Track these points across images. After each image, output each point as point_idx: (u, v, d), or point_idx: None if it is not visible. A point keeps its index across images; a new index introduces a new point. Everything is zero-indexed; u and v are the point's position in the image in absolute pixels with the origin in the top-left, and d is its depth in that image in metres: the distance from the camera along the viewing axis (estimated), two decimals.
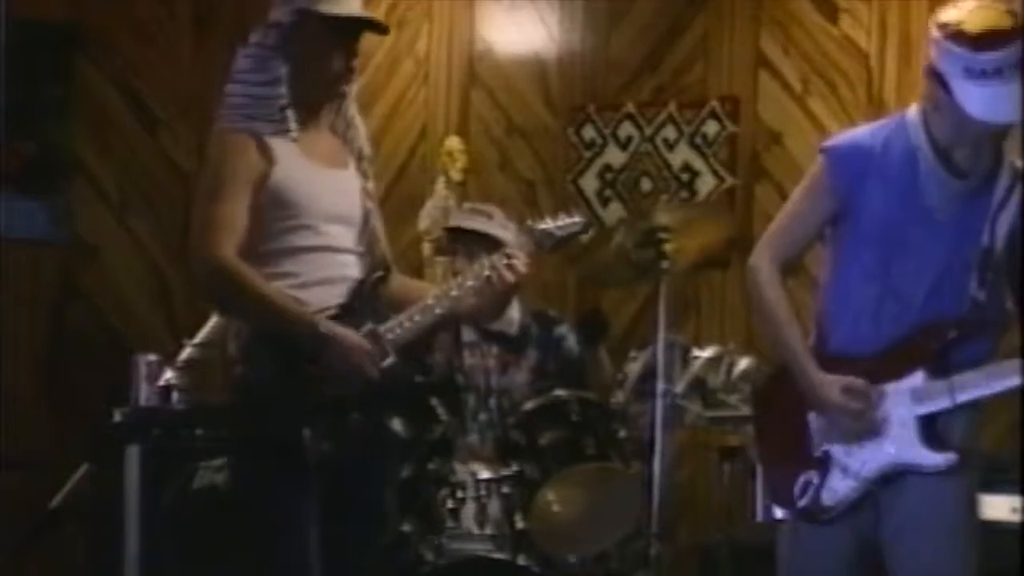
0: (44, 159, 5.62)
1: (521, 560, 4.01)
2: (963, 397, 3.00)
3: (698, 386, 4.33)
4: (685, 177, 5.55)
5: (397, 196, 5.86)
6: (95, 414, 4.89)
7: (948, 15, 2.95)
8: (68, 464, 4.94)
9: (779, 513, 3.19)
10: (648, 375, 4.28)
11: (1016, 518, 4.06)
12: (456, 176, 5.74)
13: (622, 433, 4.25)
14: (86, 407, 5.23)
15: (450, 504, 4.10)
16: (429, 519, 4.10)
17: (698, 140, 5.54)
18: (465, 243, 4.50)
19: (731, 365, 4.28)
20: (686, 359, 4.35)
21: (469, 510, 4.10)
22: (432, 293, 3.32)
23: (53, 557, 5.30)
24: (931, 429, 3.01)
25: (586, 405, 4.25)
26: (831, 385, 3.03)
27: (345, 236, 3.27)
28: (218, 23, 5.92)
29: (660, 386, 4.15)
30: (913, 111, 3.09)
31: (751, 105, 5.44)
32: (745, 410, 4.10)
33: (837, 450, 3.07)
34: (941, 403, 3.00)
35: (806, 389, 3.08)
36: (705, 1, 5.53)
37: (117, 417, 4.82)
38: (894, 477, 3.03)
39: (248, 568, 3.29)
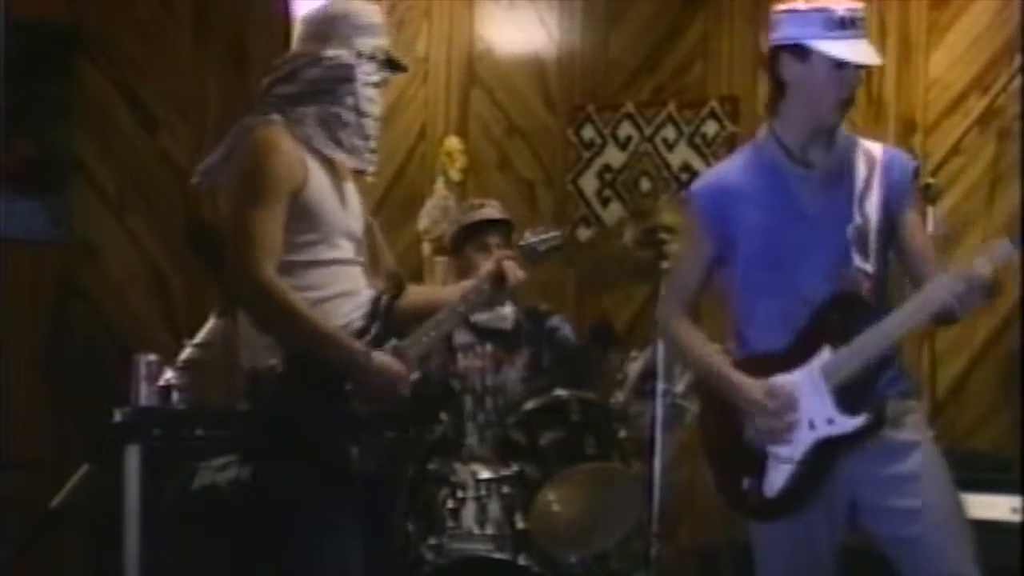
0: (44, 159, 5.62)
1: (521, 560, 4.02)
2: (867, 354, 3.08)
3: (698, 386, 4.33)
4: (685, 177, 5.56)
5: (397, 196, 5.86)
6: (95, 414, 4.88)
7: None
8: (68, 464, 4.93)
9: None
10: (648, 375, 4.29)
11: (1016, 518, 4.06)
12: (456, 176, 5.74)
13: (622, 433, 4.25)
14: (86, 407, 5.22)
15: (450, 504, 4.10)
16: (429, 519, 4.10)
17: (698, 140, 5.55)
18: (483, 235, 4.54)
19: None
20: None
21: (469, 510, 4.10)
22: (443, 309, 3.40)
23: (53, 557, 5.30)
24: (845, 396, 3.09)
25: (586, 405, 4.25)
26: (754, 386, 3.16)
27: (351, 249, 3.33)
28: (218, 23, 5.92)
29: (660, 386, 4.16)
30: (761, 132, 3.27)
31: (751, 105, 5.43)
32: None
33: (770, 444, 3.15)
34: (849, 367, 3.09)
35: (732, 395, 3.20)
36: (705, 1, 5.54)
37: (117, 417, 4.82)
38: (826, 454, 3.10)
39: (251, 568, 3.30)
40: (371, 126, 3.35)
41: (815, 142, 3.19)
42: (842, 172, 3.18)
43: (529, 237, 3.58)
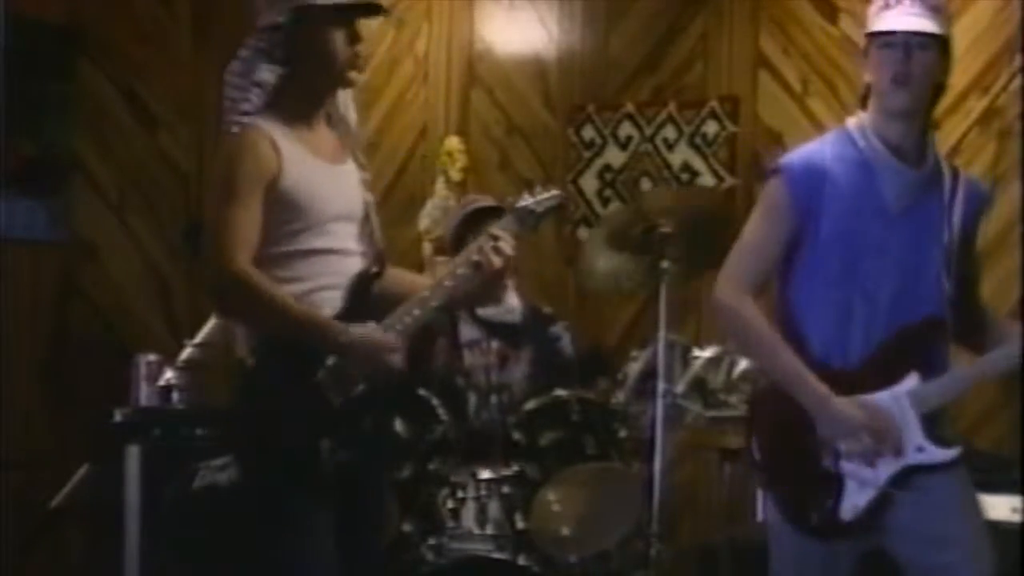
0: (44, 159, 5.62)
1: (521, 560, 4.01)
2: (959, 388, 3.10)
3: (698, 386, 4.33)
4: (685, 177, 5.55)
5: (397, 196, 5.86)
6: (95, 414, 4.89)
7: None
8: (68, 464, 4.94)
9: (786, 529, 3.20)
10: (648, 375, 4.28)
11: (1016, 518, 4.06)
12: (456, 176, 5.74)
13: (622, 433, 4.25)
14: (86, 407, 5.23)
15: (450, 504, 4.09)
16: (429, 519, 4.10)
17: (698, 140, 5.54)
18: (485, 224, 4.55)
19: (731, 365, 4.28)
20: (686, 359, 4.35)
21: (469, 510, 4.10)
22: (427, 285, 3.34)
23: (53, 557, 5.30)
24: (933, 426, 3.07)
25: (586, 405, 4.25)
26: (851, 406, 3.07)
27: (349, 235, 3.28)
28: (218, 23, 5.92)
29: (660, 386, 4.16)
30: (852, 123, 3.22)
31: (751, 105, 5.43)
32: (746, 410, 4.11)
33: (849, 464, 3.09)
34: (939, 399, 3.08)
35: (819, 412, 3.09)
36: (705, 1, 5.53)
37: (117, 417, 4.82)
38: (907, 479, 3.07)
39: (250, 569, 3.29)
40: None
41: (905, 141, 3.14)
42: (933, 180, 3.14)
43: (527, 198, 3.49)
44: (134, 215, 5.84)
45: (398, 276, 3.42)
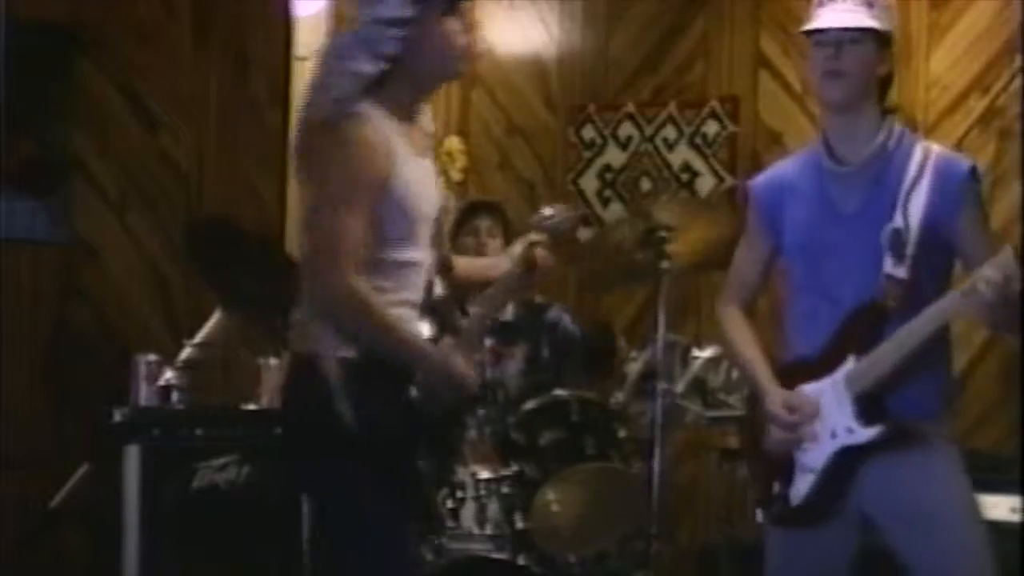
0: (44, 159, 5.61)
1: (521, 560, 4.02)
2: (884, 365, 3.04)
3: (698, 386, 4.34)
4: (685, 177, 5.56)
5: None
6: (95, 414, 4.88)
7: None
8: (68, 464, 4.93)
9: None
10: (648, 375, 4.29)
11: (1016, 518, 4.06)
12: (456, 176, 5.73)
13: (622, 433, 4.25)
14: (86, 407, 5.22)
15: (450, 504, 4.10)
16: (429, 519, 4.10)
17: (698, 140, 5.55)
18: (473, 220, 4.58)
19: (731, 365, 4.28)
20: (686, 359, 4.36)
21: (469, 510, 4.10)
22: (487, 266, 3.42)
23: (53, 557, 5.30)
24: (864, 406, 3.07)
25: (586, 405, 4.25)
26: (776, 395, 3.17)
27: (429, 239, 3.17)
28: (218, 23, 5.92)
29: (660, 386, 4.16)
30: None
31: (751, 105, 5.44)
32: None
33: (797, 451, 3.15)
34: (869, 377, 3.07)
35: (761, 401, 3.22)
36: (705, 1, 5.54)
37: (117, 417, 4.81)
38: (848, 462, 3.09)
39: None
40: None
41: (850, 138, 3.18)
42: (884, 172, 3.15)
43: (550, 213, 3.46)
44: (134, 215, 5.83)
45: (461, 264, 3.39)
